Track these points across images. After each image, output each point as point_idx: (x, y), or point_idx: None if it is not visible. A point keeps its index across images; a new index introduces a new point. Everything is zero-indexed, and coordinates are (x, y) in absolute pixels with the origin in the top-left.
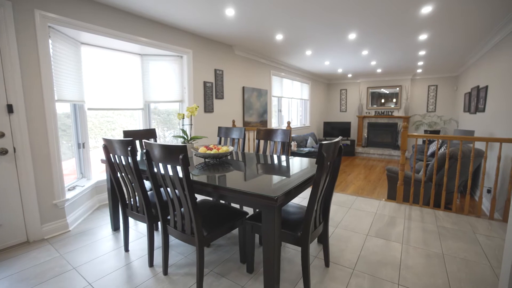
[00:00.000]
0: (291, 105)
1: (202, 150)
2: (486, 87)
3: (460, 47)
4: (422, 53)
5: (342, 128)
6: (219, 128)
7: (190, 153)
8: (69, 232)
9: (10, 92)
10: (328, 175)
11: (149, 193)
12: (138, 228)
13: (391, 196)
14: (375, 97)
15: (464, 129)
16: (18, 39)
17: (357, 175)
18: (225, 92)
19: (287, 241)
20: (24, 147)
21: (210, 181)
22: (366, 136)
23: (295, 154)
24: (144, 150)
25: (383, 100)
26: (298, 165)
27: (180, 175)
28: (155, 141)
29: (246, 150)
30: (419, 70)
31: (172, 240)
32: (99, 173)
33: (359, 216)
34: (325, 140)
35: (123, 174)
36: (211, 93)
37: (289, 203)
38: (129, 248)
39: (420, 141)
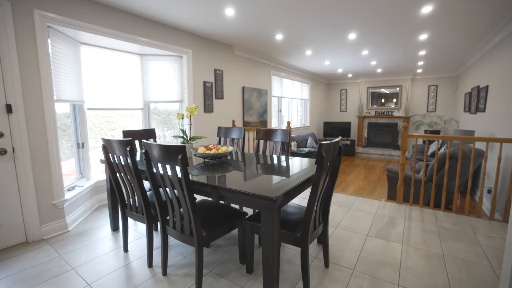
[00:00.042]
0: (291, 105)
1: (201, 150)
2: (487, 87)
3: (460, 47)
4: (422, 53)
5: (342, 128)
6: (219, 128)
7: (189, 153)
8: (68, 232)
9: (9, 92)
10: (328, 175)
11: (148, 193)
12: (137, 229)
13: (391, 196)
14: (375, 97)
15: (464, 129)
16: (17, 39)
17: (357, 175)
18: (225, 92)
19: (286, 241)
20: (23, 147)
21: (209, 181)
22: (366, 136)
23: (295, 154)
24: (143, 150)
25: (383, 100)
26: (297, 165)
27: (179, 175)
28: (155, 141)
29: (246, 150)
30: (419, 70)
31: (172, 240)
32: (99, 173)
33: (359, 216)
34: (325, 140)
35: (122, 174)
36: (211, 93)
37: (289, 203)
38: (128, 249)
39: (420, 141)
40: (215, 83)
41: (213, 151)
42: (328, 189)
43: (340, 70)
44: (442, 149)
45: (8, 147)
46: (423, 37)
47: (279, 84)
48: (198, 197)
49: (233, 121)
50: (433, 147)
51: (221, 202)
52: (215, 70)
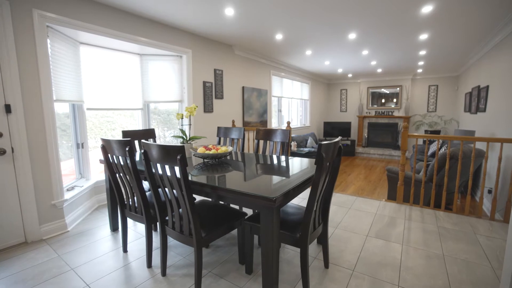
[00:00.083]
0: (291, 105)
1: (201, 150)
2: (487, 87)
3: (460, 47)
4: (422, 53)
5: (342, 128)
6: (218, 128)
7: (189, 154)
8: (68, 232)
9: (8, 92)
10: (328, 175)
11: (147, 193)
12: (137, 229)
13: (391, 197)
14: (376, 97)
15: (464, 129)
16: (16, 39)
17: (357, 175)
18: (225, 92)
19: (286, 242)
20: (22, 147)
21: (209, 181)
22: (366, 136)
23: (295, 154)
24: (142, 151)
25: (383, 100)
26: (297, 165)
27: (178, 175)
28: (154, 141)
29: (245, 150)
30: (420, 70)
31: (171, 241)
32: (98, 173)
33: (359, 216)
34: (325, 140)
35: (121, 174)
36: (210, 93)
37: (289, 203)
38: (128, 249)
39: (420, 141)
40: (215, 83)
41: (212, 151)
42: (328, 189)
43: (340, 70)
44: (443, 149)
45: (7, 147)
46: (423, 37)
47: (279, 84)
48: (198, 198)
49: (233, 121)
50: (433, 147)
51: (220, 202)
52: (215, 70)
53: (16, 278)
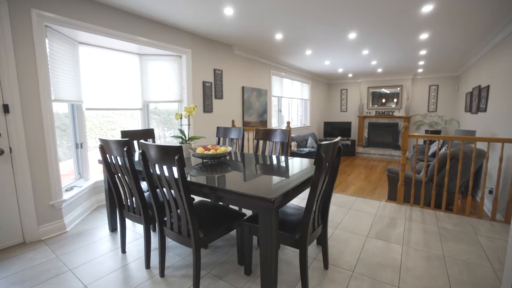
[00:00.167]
0: (291, 105)
1: (199, 150)
2: (488, 86)
3: (460, 47)
4: (422, 52)
5: (343, 128)
6: (218, 128)
7: (188, 154)
8: (67, 233)
9: (6, 92)
10: (327, 175)
11: (146, 194)
12: (136, 229)
13: (392, 197)
14: (376, 97)
15: (465, 129)
16: (14, 39)
17: (357, 175)
18: (225, 92)
19: (285, 243)
20: (21, 147)
21: (207, 182)
22: (366, 136)
23: (295, 154)
24: (140, 151)
25: (383, 100)
26: (297, 165)
27: (176, 176)
28: (153, 141)
29: (245, 151)
30: (420, 70)
31: (170, 241)
32: (98, 173)
33: (359, 217)
34: (326, 140)
35: (119, 175)
36: (210, 93)
37: (288, 204)
38: (126, 250)
39: (421, 141)
40: (215, 83)
41: (211, 152)
42: (328, 189)
43: (340, 70)
44: (443, 149)
45: (5, 147)
46: (424, 36)
47: (279, 84)
48: (197, 198)
49: (233, 121)
50: (434, 147)
51: (219, 203)
52: (214, 70)
53: (14, 279)
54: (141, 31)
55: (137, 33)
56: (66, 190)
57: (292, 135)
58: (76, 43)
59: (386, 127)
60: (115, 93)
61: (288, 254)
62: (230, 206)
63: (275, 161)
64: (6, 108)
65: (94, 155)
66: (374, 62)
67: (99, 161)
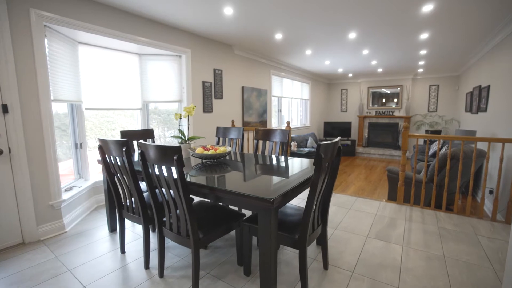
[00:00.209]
0: (291, 105)
1: (199, 150)
2: (488, 86)
3: (461, 47)
4: (423, 52)
5: (343, 128)
6: (217, 128)
7: (187, 154)
8: (66, 233)
9: (5, 92)
10: (327, 176)
11: (145, 194)
12: (135, 230)
13: (392, 197)
14: (376, 97)
15: (465, 129)
16: (13, 39)
17: (357, 175)
18: (224, 92)
19: (284, 243)
20: (20, 148)
21: (206, 182)
22: (366, 136)
23: (295, 154)
24: (139, 151)
25: (384, 100)
26: (297, 165)
27: (175, 176)
28: (153, 141)
29: (245, 151)
30: (420, 70)
31: (170, 242)
32: (97, 173)
33: (359, 217)
34: (326, 140)
35: (118, 175)
36: (210, 93)
37: (288, 204)
38: (125, 250)
39: (421, 141)
40: (214, 83)
41: (211, 152)
42: (327, 190)
43: (340, 70)
44: (443, 150)
45: (4, 147)
46: (424, 36)
47: (279, 84)
48: (197, 198)
49: (233, 121)
50: (434, 147)
51: (219, 203)
52: (214, 69)
53: (13, 279)
54: (141, 31)
55: (137, 33)
56: (66, 190)
57: (292, 135)
58: (75, 43)
59: (386, 127)
60: (115, 93)
61: (288, 255)
62: (230, 206)
63: (274, 161)
64: (5, 108)
65: (93, 155)
66: (374, 62)
67: (99, 161)
